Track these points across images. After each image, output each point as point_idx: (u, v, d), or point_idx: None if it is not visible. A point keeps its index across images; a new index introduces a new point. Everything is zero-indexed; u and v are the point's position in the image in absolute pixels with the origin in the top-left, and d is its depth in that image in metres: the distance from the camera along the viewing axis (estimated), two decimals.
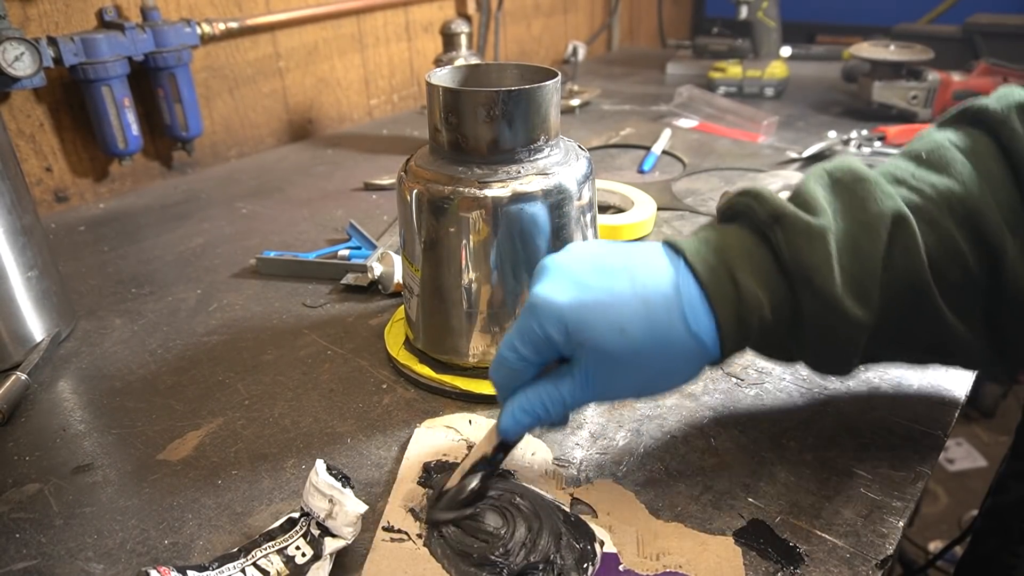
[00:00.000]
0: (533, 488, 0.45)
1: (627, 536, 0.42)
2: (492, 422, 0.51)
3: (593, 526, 0.42)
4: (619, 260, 0.42)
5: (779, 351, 0.44)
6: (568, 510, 0.43)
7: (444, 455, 0.48)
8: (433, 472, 0.46)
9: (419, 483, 0.46)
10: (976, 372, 0.45)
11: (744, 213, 0.43)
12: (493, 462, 0.44)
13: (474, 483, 0.43)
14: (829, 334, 0.41)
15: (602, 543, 0.41)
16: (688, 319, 0.39)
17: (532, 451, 0.48)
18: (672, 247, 0.42)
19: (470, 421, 0.51)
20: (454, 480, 0.44)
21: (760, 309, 0.40)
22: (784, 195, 0.43)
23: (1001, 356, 0.43)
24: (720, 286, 0.40)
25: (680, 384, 0.43)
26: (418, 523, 0.43)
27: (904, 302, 0.40)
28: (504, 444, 0.44)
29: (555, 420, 0.42)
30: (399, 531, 0.42)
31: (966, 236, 0.40)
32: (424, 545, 0.41)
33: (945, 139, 0.44)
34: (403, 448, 0.50)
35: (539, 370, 0.42)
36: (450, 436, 0.50)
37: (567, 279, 0.41)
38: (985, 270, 0.40)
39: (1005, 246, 0.40)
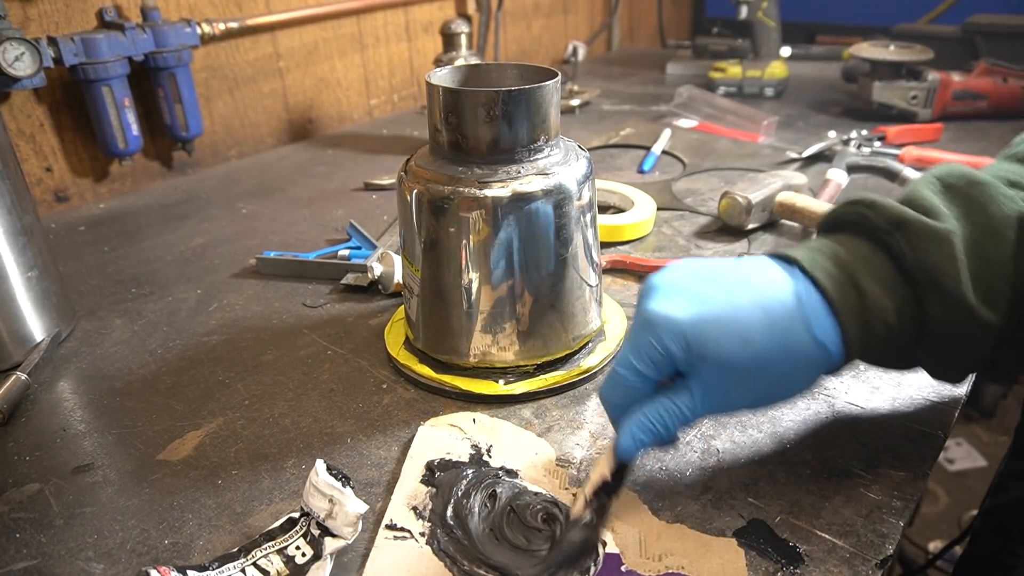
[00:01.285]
0: (544, 493, 0.45)
1: (629, 537, 0.42)
2: (495, 420, 0.51)
3: None
4: (732, 274, 0.42)
5: (901, 359, 0.43)
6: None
7: (447, 453, 0.48)
8: (436, 470, 0.46)
9: (422, 481, 0.46)
10: None
11: (855, 223, 0.42)
12: (612, 486, 0.42)
13: (596, 503, 0.42)
14: (957, 339, 0.40)
15: (604, 544, 0.41)
16: (812, 327, 0.39)
17: (535, 451, 0.48)
18: (783, 258, 0.42)
19: (474, 420, 0.51)
20: (577, 507, 0.42)
21: (884, 314, 0.40)
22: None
23: None
24: (843, 292, 0.40)
25: (798, 393, 0.42)
26: (421, 522, 0.43)
27: None
28: (622, 466, 0.42)
29: (673, 438, 0.42)
30: (402, 529, 0.42)
31: None
32: (427, 544, 0.41)
33: None
34: (404, 448, 0.50)
35: (654, 388, 0.42)
36: (454, 435, 0.50)
37: (682, 294, 0.40)
38: None
39: None
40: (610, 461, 0.42)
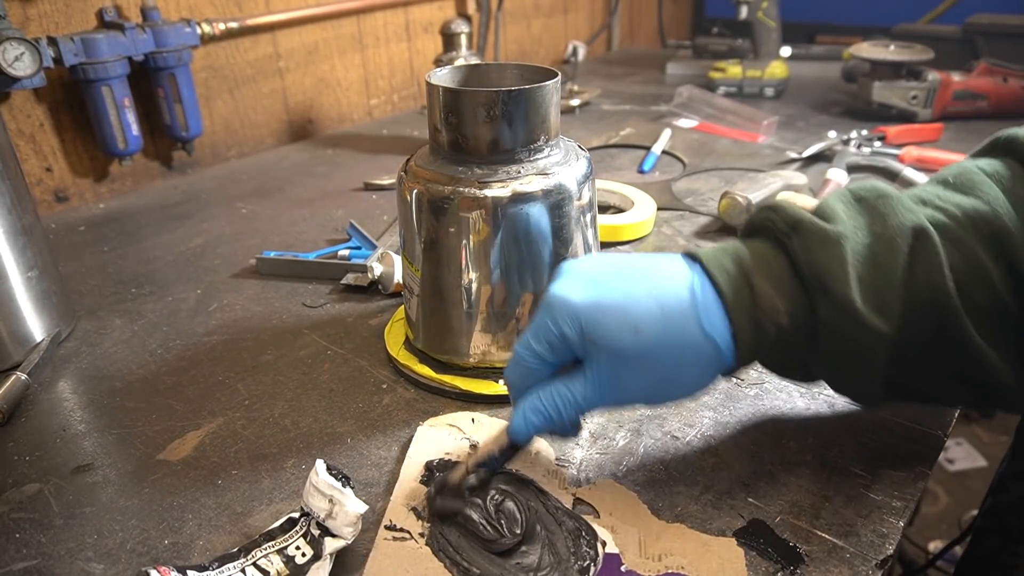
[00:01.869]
0: (536, 485, 0.45)
1: (629, 537, 0.42)
2: (497, 421, 0.51)
3: (595, 526, 0.42)
4: (636, 266, 0.42)
5: (796, 366, 0.43)
6: (570, 510, 0.43)
7: (447, 454, 0.48)
8: (436, 471, 0.46)
9: (421, 482, 0.46)
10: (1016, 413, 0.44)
11: (764, 226, 0.43)
12: (499, 462, 0.44)
13: (477, 477, 0.43)
14: (846, 344, 0.40)
15: (604, 543, 0.41)
16: (703, 321, 0.39)
17: (535, 450, 0.48)
18: (690, 256, 0.43)
19: (473, 420, 0.51)
20: (457, 474, 0.43)
21: (776, 315, 0.40)
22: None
23: None
24: (736, 290, 0.40)
25: (692, 391, 0.42)
26: (420, 522, 0.43)
27: (926, 319, 0.39)
28: (512, 446, 0.44)
29: (567, 424, 0.42)
30: (401, 530, 0.42)
31: (993, 257, 0.39)
32: (426, 544, 0.41)
33: (973, 165, 0.44)
34: (404, 448, 0.50)
35: (553, 371, 0.43)
36: (453, 435, 0.50)
37: (584, 280, 0.41)
38: (1015, 296, 0.39)
39: None
40: (500, 440, 0.44)
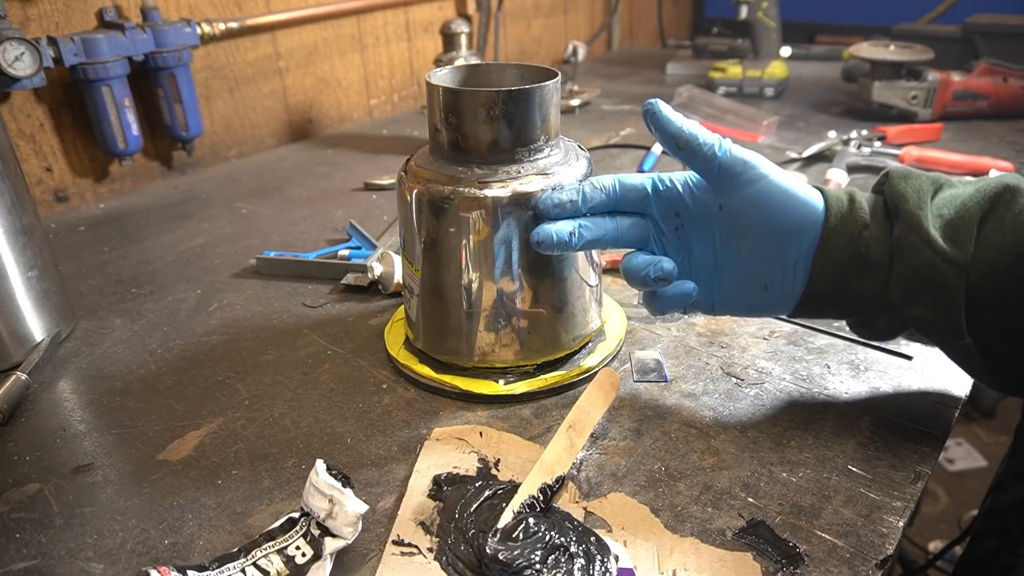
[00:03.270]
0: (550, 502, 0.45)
1: (643, 551, 0.41)
2: (505, 435, 0.50)
3: (608, 540, 0.41)
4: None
5: (879, 303, 0.46)
6: (582, 523, 0.43)
7: (454, 467, 0.47)
8: (444, 485, 0.46)
9: (429, 496, 0.45)
10: None
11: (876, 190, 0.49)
12: (541, 502, 0.43)
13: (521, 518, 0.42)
14: (916, 264, 0.43)
15: (617, 558, 0.40)
16: (811, 197, 0.47)
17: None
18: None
19: (480, 433, 0.51)
20: (506, 521, 0.42)
21: (864, 228, 0.45)
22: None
23: None
24: (837, 196, 0.47)
25: (786, 259, 0.47)
26: (429, 537, 0.42)
27: (1006, 263, 0.42)
28: (557, 480, 0.44)
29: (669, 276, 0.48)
30: (409, 545, 0.42)
31: None
32: (435, 559, 0.41)
33: None
34: (403, 447, 0.50)
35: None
36: (461, 448, 0.49)
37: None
38: None
39: None
40: (539, 479, 0.44)
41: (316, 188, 1.00)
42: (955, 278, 0.42)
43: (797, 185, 0.47)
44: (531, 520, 0.42)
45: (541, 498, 0.43)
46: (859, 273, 0.45)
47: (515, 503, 0.43)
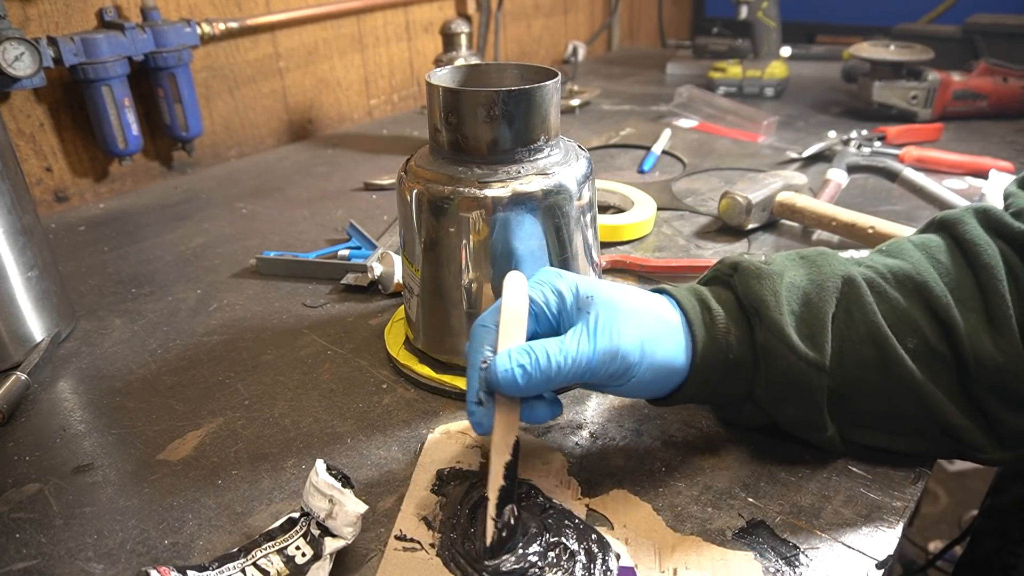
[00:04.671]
0: (547, 496, 0.45)
1: (644, 549, 0.41)
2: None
3: (609, 538, 0.41)
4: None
5: (748, 398, 0.46)
6: (584, 521, 0.43)
7: (458, 462, 0.48)
8: (447, 480, 0.46)
9: (432, 491, 0.45)
10: (979, 461, 0.45)
11: (713, 277, 0.49)
12: (509, 490, 0.41)
13: (507, 515, 0.41)
14: (781, 369, 0.43)
15: (618, 556, 0.40)
16: (676, 322, 0.44)
17: (546, 460, 0.48)
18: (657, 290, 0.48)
19: None
20: (490, 535, 0.40)
21: (727, 332, 0.44)
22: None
23: (991, 438, 0.44)
24: (695, 310, 0.45)
25: (666, 367, 0.43)
26: (431, 532, 0.42)
27: (866, 356, 0.43)
28: (513, 461, 0.41)
29: (552, 378, 0.40)
30: (412, 540, 0.42)
31: (918, 307, 0.44)
32: (437, 555, 0.41)
33: (908, 238, 0.49)
34: (403, 447, 0.50)
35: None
36: (464, 443, 0.49)
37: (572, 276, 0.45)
38: (947, 344, 0.43)
39: (956, 318, 0.43)
40: (497, 472, 0.41)
41: (316, 188, 1.00)
42: (818, 379, 0.43)
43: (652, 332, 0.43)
44: (524, 517, 0.42)
45: (507, 475, 0.41)
46: (725, 376, 0.45)
47: (491, 510, 0.40)
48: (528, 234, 0.51)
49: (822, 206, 0.78)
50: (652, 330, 0.43)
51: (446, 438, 0.50)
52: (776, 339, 0.43)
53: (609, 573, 0.39)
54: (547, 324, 0.44)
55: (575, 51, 1.42)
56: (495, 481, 0.41)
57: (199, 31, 0.99)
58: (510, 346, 0.41)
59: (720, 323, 0.44)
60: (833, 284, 0.45)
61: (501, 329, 0.42)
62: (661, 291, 0.47)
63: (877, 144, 1.05)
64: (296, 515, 0.41)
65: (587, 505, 0.44)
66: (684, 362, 0.43)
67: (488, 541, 0.40)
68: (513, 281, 0.44)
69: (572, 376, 0.41)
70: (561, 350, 0.40)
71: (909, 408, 0.44)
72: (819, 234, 0.80)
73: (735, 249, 0.77)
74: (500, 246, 0.51)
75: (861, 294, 0.44)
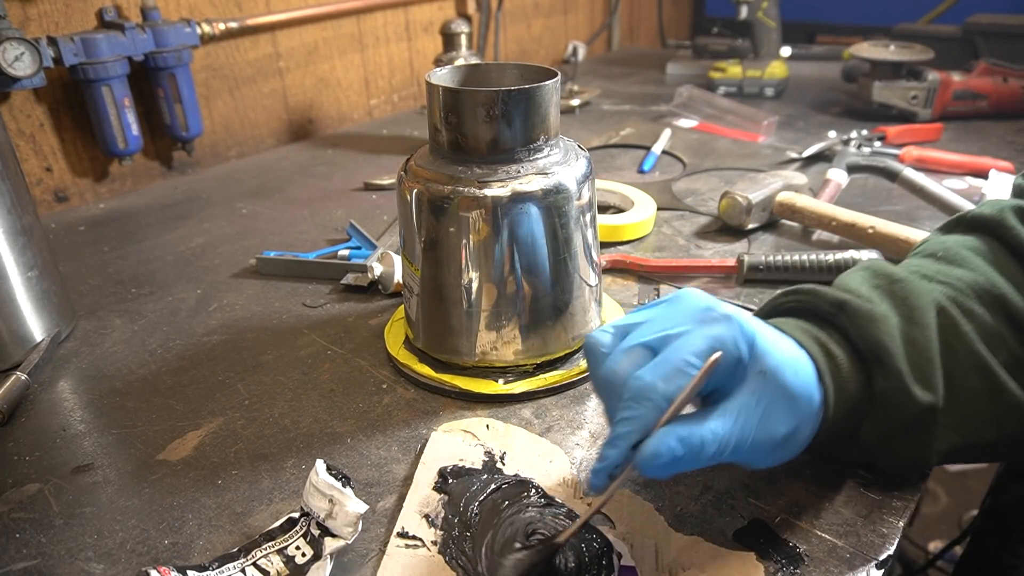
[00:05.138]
0: (549, 495, 0.44)
1: (646, 549, 0.41)
2: (512, 428, 0.50)
3: (611, 538, 0.41)
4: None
5: (852, 438, 0.43)
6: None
7: (460, 460, 0.48)
8: (449, 478, 0.46)
9: (435, 488, 0.45)
10: None
11: (801, 309, 0.44)
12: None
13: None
14: (899, 415, 0.41)
15: (620, 556, 0.40)
16: (811, 367, 0.40)
17: (549, 459, 0.48)
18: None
19: (487, 426, 0.51)
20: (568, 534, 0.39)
21: (851, 379, 0.41)
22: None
23: None
24: (822, 357, 0.41)
25: (796, 452, 0.40)
26: (433, 530, 0.42)
27: (973, 386, 0.41)
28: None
29: (696, 463, 0.36)
30: (414, 537, 0.42)
31: (1000, 320, 0.43)
32: (439, 553, 0.41)
33: (952, 241, 0.47)
34: (404, 447, 0.50)
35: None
36: (467, 441, 0.50)
37: (745, 314, 0.39)
38: None
39: None
40: (611, 491, 0.37)
41: (316, 188, 1.00)
42: (933, 420, 0.41)
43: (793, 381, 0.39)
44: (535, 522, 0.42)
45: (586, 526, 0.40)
46: (840, 425, 0.42)
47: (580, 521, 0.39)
48: (527, 234, 0.51)
49: (822, 206, 0.78)
50: (801, 419, 0.39)
51: (449, 436, 0.50)
52: (897, 387, 0.40)
53: (611, 573, 0.39)
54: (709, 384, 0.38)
55: (575, 51, 1.42)
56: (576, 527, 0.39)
57: (199, 31, 0.99)
58: (670, 427, 0.36)
59: (846, 376, 0.41)
60: (930, 319, 0.42)
61: (672, 409, 0.36)
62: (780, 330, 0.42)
63: (877, 144, 1.05)
64: (296, 515, 0.41)
65: (589, 504, 0.44)
66: (812, 431, 0.40)
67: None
68: (711, 362, 0.36)
69: (714, 462, 0.37)
70: (716, 438, 0.36)
71: (1012, 426, 0.42)
72: (819, 234, 0.80)
73: (735, 250, 0.77)
74: (500, 246, 0.51)
75: (957, 324, 0.42)
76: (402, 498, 0.45)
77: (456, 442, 0.49)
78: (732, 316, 0.38)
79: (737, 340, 0.37)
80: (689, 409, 0.37)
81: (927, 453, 0.42)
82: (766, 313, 0.47)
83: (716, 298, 0.40)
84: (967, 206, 0.80)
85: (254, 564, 0.39)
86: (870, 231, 0.73)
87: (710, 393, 0.39)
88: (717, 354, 0.36)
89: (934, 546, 1.49)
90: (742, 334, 0.37)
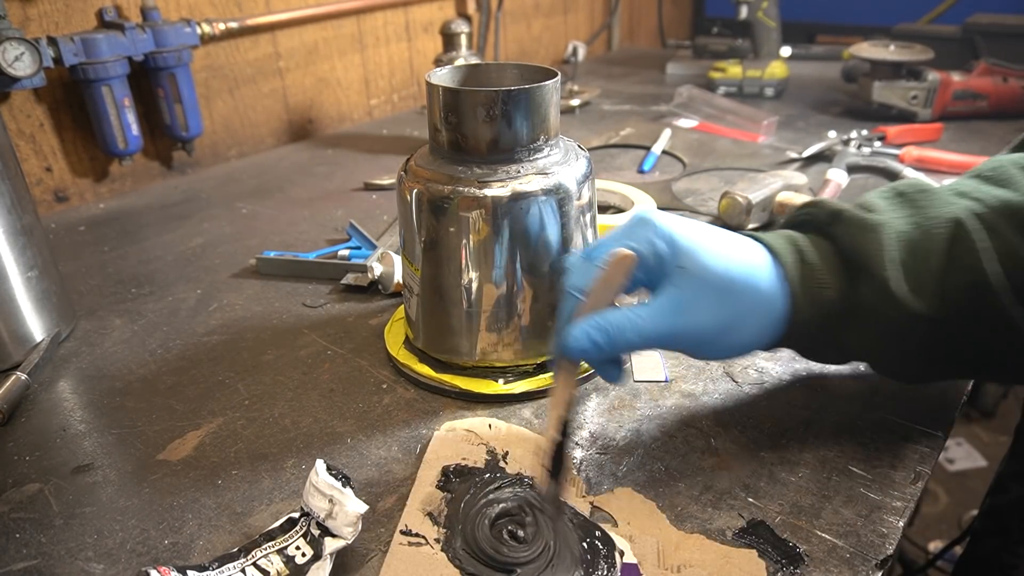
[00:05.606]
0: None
1: (648, 547, 0.41)
2: (514, 427, 0.50)
3: (613, 535, 0.42)
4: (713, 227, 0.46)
5: (835, 345, 0.45)
6: (588, 518, 0.43)
7: (463, 459, 0.48)
8: (452, 476, 0.46)
9: (438, 487, 0.45)
10: None
11: (806, 221, 0.47)
12: (563, 445, 0.43)
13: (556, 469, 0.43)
14: (883, 323, 0.42)
15: (622, 553, 0.40)
16: (773, 274, 0.43)
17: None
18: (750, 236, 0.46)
19: (490, 425, 0.51)
20: (543, 482, 0.43)
21: (824, 287, 0.43)
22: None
23: None
24: (793, 262, 0.44)
25: (745, 347, 0.44)
26: (436, 528, 0.42)
27: (965, 300, 0.41)
28: (565, 422, 0.43)
29: (619, 348, 0.42)
30: (417, 535, 0.42)
31: None
32: (442, 550, 0.41)
33: (1008, 160, 0.47)
34: (404, 447, 0.50)
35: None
36: (470, 440, 0.50)
37: (671, 217, 0.44)
38: None
39: None
40: (556, 417, 0.42)
41: (316, 188, 1.00)
42: (921, 330, 0.42)
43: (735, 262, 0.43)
44: (536, 516, 0.42)
45: (561, 428, 0.43)
46: (819, 329, 0.44)
47: (544, 459, 0.42)
48: (528, 234, 0.51)
49: None
50: (738, 312, 0.42)
51: (452, 435, 0.50)
52: (883, 296, 0.41)
53: (613, 570, 0.39)
54: (637, 280, 0.44)
55: (575, 51, 1.42)
56: (550, 429, 0.42)
57: (199, 31, 0.99)
58: (590, 316, 0.42)
59: (820, 280, 0.43)
60: (942, 228, 0.42)
61: (590, 301, 0.43)
62: (756, 239, 0.46)
63: (877, 144, 1.05)
64: (296, 515, 0.41)
65: (591, 503, 0.44)
66: (773, 335, 0.44)
67: (545, 490, 0.42)
68: (618, 258, 0.42)
69: (643, 349, 0.43)
70: (635, 327, 0.41)
71: (1001, 343, 0.42)
72: None
73: None
74: (500, 246, 0.51)
75: (969, 238, 0.41)
76: (402, 498, 0.45)
77: (459, 441, 0.49)
78: (649, 219, 0.43)
79: (652, 239, 0.42)
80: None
81: (915, 364, 0.44)
82: (783, 226, 0.49)
83: (661, 211, 0.45)
84: None
85: (254, 564, 0.39)
86: None
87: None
88: (621, 250, 0.42)
89: (934, 546, 1.50)
90: (657, 233, 0.42)
